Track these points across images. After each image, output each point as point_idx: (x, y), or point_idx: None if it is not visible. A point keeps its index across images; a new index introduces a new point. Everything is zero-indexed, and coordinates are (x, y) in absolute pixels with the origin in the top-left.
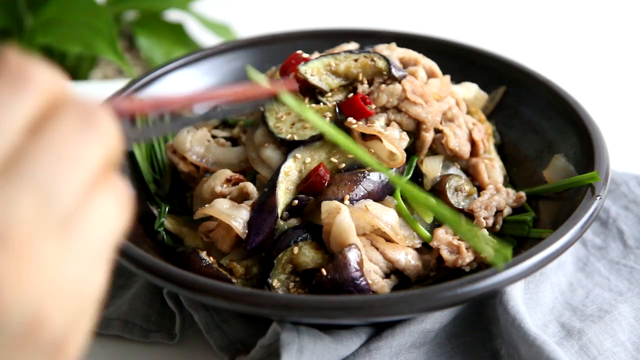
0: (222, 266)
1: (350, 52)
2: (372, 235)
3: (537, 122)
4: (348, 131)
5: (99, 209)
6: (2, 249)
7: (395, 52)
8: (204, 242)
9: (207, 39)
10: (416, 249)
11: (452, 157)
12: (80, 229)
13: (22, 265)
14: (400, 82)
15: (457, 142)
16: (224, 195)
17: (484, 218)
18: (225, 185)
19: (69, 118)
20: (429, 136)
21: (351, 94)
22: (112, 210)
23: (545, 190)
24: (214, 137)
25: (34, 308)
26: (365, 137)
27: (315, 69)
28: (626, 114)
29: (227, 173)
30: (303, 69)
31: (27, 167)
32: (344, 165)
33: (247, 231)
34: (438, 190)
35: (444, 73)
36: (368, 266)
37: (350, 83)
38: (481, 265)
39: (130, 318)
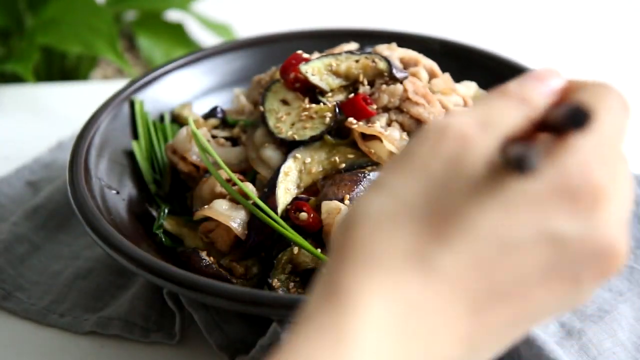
0: (222, 266)
1: (352, 52)
2: None
3: None
4: (348, 131)
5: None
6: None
7: (395, 53)
8: (204, 242)
9: (207, 39)
10: None
11: None
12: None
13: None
14: (401, 83)
15: None
16: (223, 196)
17: None
18: None
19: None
20: None
21: (352, 95)
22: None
23: None
24: (214, 137)
25: (616, 233)
26: (366, 137)
27: (316, 68)
28: None
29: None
30: (304, 68)
31: None
32: (344, 165)
33: (246, 231)
34: None
35: (444, 73)
36: None
37: (351, 84)
38: None
39: (131, 318)
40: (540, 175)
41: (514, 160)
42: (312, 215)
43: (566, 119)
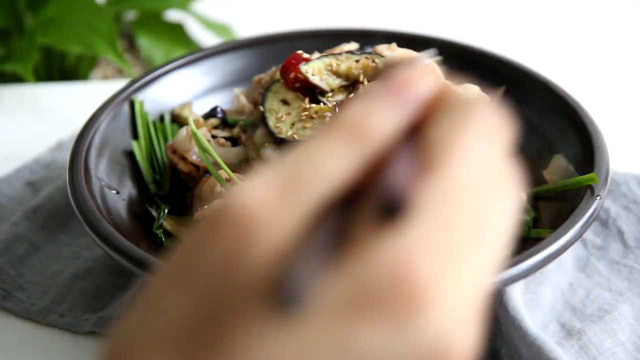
0: None
1: (352, 52)
2: None
3: (537, 122)
4: None
5: (502, 207)
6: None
7: (395, 53)
8: None
9: (207, 39)
10: None
11: None
12: (486, 235)
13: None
14: None
15: None
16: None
17: None
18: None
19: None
20: None
21: (352, 95)
22: (508, 202)
23: (545, 191)
24: (213, 136)
25: (444, 336)
26: None
27: (317, 68)
28: (626, 114)
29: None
30: (304, 68)
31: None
32: None
33: None
34: None
35: (444, 73)
36: None
37: (351, 84)
38: None
39: None
40: (336, 281)
41: (272, 291)
42: None
43: (376, 205)
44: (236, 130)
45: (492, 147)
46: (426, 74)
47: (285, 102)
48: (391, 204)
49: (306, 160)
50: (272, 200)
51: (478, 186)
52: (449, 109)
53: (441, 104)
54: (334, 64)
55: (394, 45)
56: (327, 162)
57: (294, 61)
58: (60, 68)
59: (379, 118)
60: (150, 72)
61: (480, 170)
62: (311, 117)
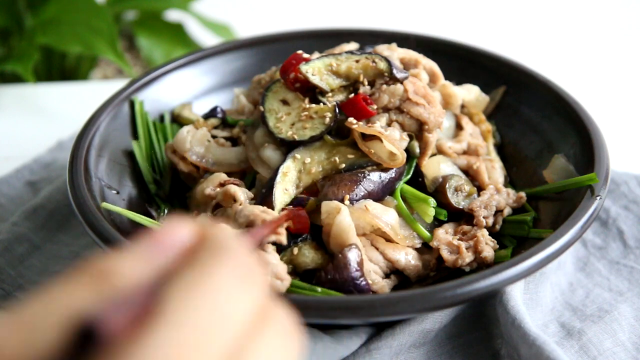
0: None
1: (352, 52)
2: (372, 235)
3: (537, 122)
4: (348, 131)
5: (267, 349)
6: None
7: (395, 53)
8: None
9: (207, 39)
10: (416, 249)
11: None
12: None
13: None
14: (402, 83)
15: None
16: (211, 198)
17: (483, 217)
18: (217, 189)
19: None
20: (432, 137)
21: (352, 95)
22: (280, 344)
23: (545, 191)
24: (214, 137)
25: None
26: (366, 137)
27: (317, 68)
28: (626, 114)
29: (222, 177)
30: (304, 68)
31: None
32: (343, 165)
33: None
34: (438, 189)
35: (444, 73)
36: (368, 266)
37: (351, 84)
38: (481, 265)
39: None
40: None
41: None
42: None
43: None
44: (236, 130)
45: (244, 288)
46: (184, 225)
47: (285, 102)
48: (82, 330)
49: (46, 300)
50: (7, 340)
51: (220, 328)
52: (202, 252)
53: (198, 248)
54: (334, 64)
55: (394, 45)
56: (65, 300)
57: (294, 61)
58: (60, 68)
59: (126, 265)
60: (150, 72)
61: (227, 313)
62: (311, 117)
